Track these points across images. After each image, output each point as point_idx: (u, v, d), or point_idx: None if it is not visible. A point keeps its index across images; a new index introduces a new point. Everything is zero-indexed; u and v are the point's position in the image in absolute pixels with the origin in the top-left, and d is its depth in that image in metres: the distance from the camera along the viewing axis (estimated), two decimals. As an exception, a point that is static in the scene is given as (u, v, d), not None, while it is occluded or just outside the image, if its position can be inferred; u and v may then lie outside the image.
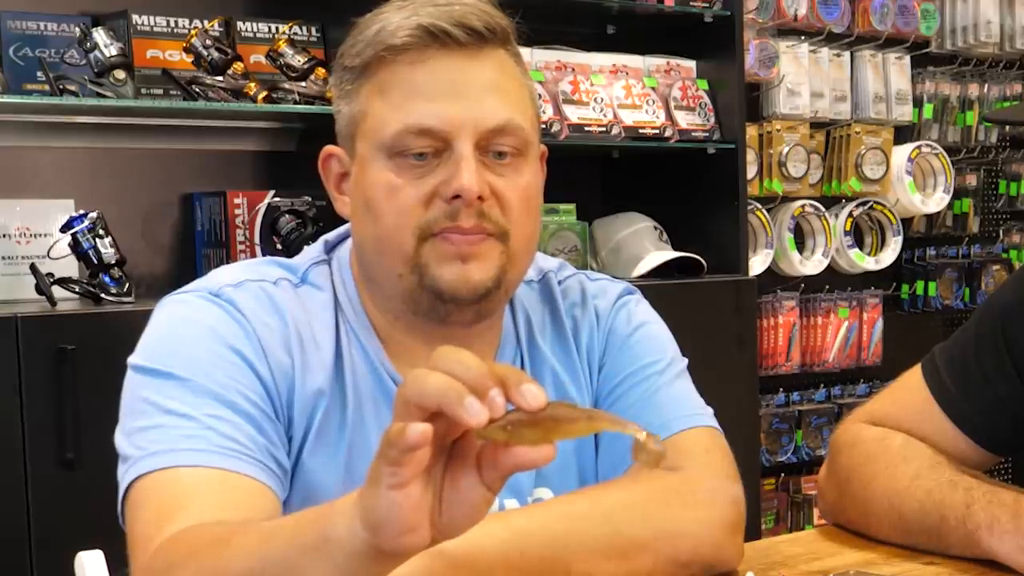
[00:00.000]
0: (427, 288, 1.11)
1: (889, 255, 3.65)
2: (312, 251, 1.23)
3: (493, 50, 1.12)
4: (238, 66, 2.54)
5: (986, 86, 3.89)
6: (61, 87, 2.37)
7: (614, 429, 0.76)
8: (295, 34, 2.70)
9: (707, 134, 3.04)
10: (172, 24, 2.59)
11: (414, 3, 1.11)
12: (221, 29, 2.61)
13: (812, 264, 3.49)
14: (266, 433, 1.08)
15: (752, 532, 1.50)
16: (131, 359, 1.12)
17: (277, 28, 2.70)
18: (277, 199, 2.62)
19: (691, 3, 3.01)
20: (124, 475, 1.06)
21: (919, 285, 3.80)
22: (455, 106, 1.09)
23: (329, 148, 1.19)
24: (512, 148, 1.11)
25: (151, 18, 2.57)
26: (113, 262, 2.35)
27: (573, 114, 2.86)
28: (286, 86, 2.57)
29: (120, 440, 1.08)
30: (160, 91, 2.53)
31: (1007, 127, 3.86)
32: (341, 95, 1.16)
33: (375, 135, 1.11)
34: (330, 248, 1.24)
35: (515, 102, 1.12)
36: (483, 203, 1.09)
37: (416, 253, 1.10)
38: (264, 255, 2.52)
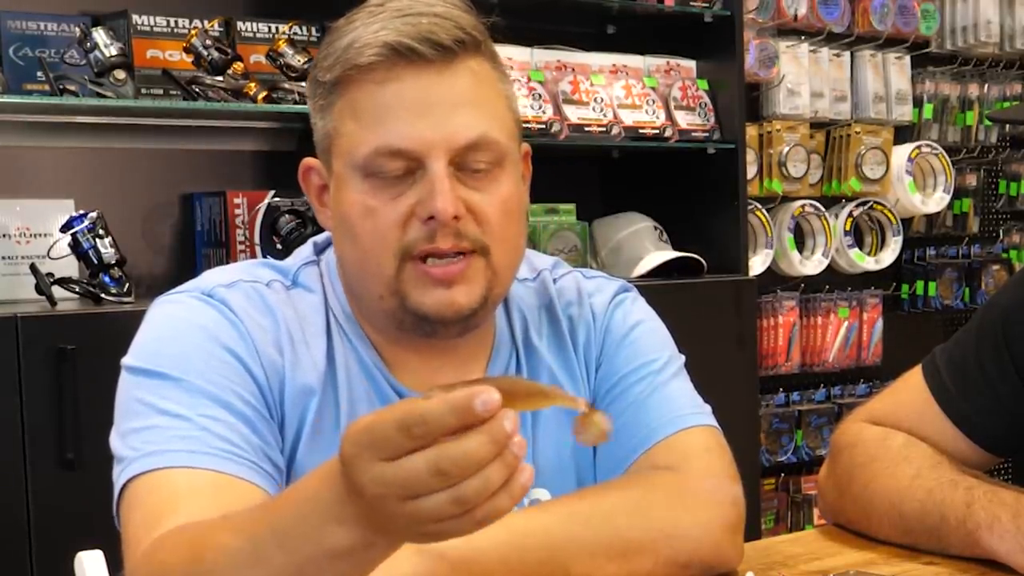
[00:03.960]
0: (410, 311, 1.11)
1: (889, 255, 3.64)
2: (302, 252, 1.23)
3: (465, 61, 1.09)
4: (238, 66, 2.54)
5: (986, 86, 3.88)
6: (61, 87, 2.37)
7: (567, 405, 0.80)
8: (295, 34, 2.70)
9: (707, 134, 3.04)
10: (172, 24, 2.59)
11: (385, 10, 1.09)
12: (221, 29, 2.61)
13: (812, 264, 3.49)
14: (260, 433, 1.08)
15: (752, 532, 1.50)
16: (125, 360, 1.11)
17: (277, 28, 2.70)
18: (277, 199, 2.61)
19: (691, 3, 3.00)
20: (119, 476, 1.06)
21: (919, 285, 3.80)
22: (425, 124, 1.07)
23: (308, 161, 1.18)
24: (487, 163, 1.10)
25: (151, 18, 2.57)
26: (113, 262, 2.35)
27: (573, 114, 2.86)
28: (286, 86, 2.57)
29: (115, 441, 1.08)
30: (160, 91, 2.53)
31: (1007, 127, 3.86)
32: (316, 109, 1.14)
33: (349, 155, 1.10)
34: (320, 250, 1.23)
35: (489, 114, 1.10)
36: (459, 222, 1.08)
37: (396, 277, 1.10)
38: (264, 255, 2.53)
